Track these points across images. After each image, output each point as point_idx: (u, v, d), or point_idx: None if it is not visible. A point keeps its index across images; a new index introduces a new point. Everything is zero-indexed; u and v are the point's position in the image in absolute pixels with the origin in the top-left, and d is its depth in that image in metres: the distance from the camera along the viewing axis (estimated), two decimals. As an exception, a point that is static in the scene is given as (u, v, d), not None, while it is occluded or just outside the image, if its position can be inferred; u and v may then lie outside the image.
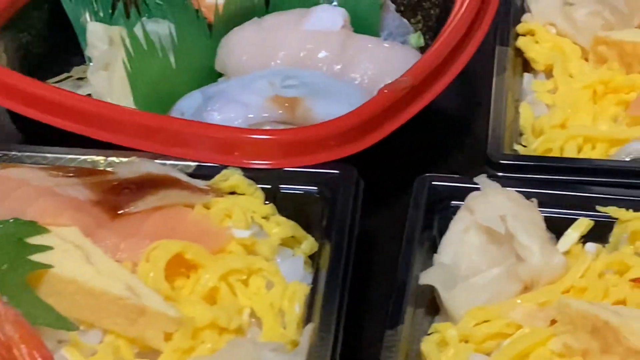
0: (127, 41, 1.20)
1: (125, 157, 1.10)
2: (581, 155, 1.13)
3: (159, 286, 0.97)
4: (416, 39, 1.30)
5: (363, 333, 1.03)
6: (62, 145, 1.12)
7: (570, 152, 1.13)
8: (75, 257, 0.97)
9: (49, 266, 0.96)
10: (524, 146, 1.15)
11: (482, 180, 1.04)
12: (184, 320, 0.95)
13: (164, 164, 1.08)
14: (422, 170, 1.08)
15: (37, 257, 0.97)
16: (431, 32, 1.29)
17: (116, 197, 1.04)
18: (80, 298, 0.96)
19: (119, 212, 1.03)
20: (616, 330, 0.90)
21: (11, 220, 1.00)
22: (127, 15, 1.30)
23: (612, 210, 1.04)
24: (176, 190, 1.04)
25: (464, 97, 1.25)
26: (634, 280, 0.97)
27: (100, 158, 1.10)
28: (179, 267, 1.01)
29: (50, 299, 0.95)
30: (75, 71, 1.29)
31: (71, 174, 1.06)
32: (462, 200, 1.04)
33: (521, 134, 1.16)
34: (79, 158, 1.10)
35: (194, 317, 0.95)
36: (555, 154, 1.13)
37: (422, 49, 1.23)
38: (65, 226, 1.00)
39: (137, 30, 1.23)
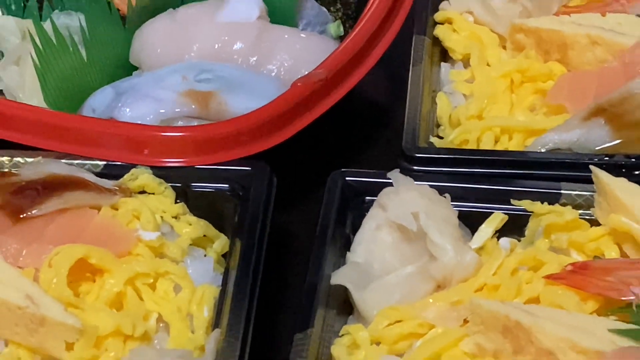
0: (37, 35, 1.18)
1: (30, 157, 1.07)
2: (498, 147, 1.12)
3: (61, 293, 0.95)
4: (335, 28, 1.29)
5: (275, 335, 1.02)
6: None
7: (487, 144, 1.12)
8: (-25, 265, 0.95)
9: (-53, 276, 0.94)
10: (441, 138, 1.14)
11: (394, 175, 1.02)
12: (86, 329, 0.92)
13: (71, 164, 1.06)
14: (339, 165, 1.07)
15: None
16: (351, 20, 1.28)
17: (19, 199, 1.01)
18: (-18, 308, 0.93)
19: (22, 215, 1.00)
20: (528, 330, 0.88)
21: None
22: (40, 8, 1.28)
23: (526, 204, 1.03)
24: (82, 192, 1.02)
25: (382, 88, 1.24)
26: (548, 277, 0.95)
27: (5, 158, 1.08)
28: (84, 271, 0.98)
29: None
30: (-5, 64, 1.24)
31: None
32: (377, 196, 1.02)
33: (438, 125, 1.16)
34: (-17, 160, 1.06)
35: (97, 325, 0.93)
36: (472, 145, 1.12)
37: (342, 38, 1.20)
38: (-36, 233, 0.97)
39: (47, 24, 1.21)
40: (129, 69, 1.23)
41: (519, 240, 1.03)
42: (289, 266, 1.08)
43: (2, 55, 1.23)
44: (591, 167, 1.00)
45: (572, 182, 1.04)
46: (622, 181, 0.99)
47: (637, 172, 1.04)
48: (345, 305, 0.99)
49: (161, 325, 0.97)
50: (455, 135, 1.12)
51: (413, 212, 0.97)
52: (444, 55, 1.22)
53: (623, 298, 0.92)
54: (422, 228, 0.96)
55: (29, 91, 1.19)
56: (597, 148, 1.08)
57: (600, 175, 0.99)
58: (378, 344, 0.93)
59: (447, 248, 0.96)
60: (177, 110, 1.13)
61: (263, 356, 0.96)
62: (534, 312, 0.90)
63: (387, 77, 1.20)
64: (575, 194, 1.03)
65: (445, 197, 1.00)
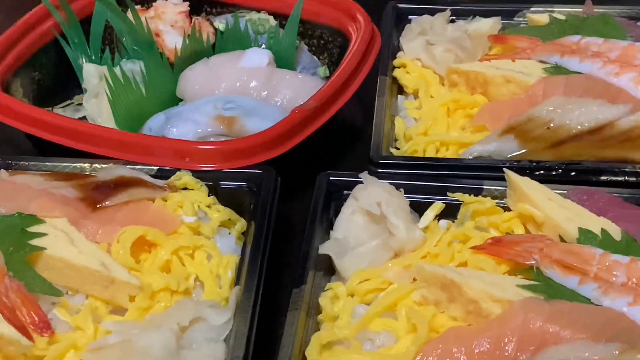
0: (109, 77, 1.18)
1: (104, 164, 1.08)
2: (438, 155, 1.13)
3: (126, 261, 0.96)
4: (323, 70, 1.30)
5: (278, 290, 1.02)
6: (59, 156, 1.11)
7: (430, 153, 1.13)
8: (63, 241, 0.96)
9: (43, 248, 0.95)
10: (398, 149, 1.14)
11: (364, 176, 1.03)
12: (143, 286, 0.94)
13: (134, 168, 1.07)
14: (324, 169, 1.07)
15: (35, 242, 0.96)
16: (334, 65, 1.27)
17: (96, 194, 1.02)
18: (67, 272, 0.95)
19: (98, 205, 1.01)
20: (458, 285, 0.91)
21: (15, 214, 0.99)
22: (112, 58, 1.28)
23: (459, 196, 1.04)
24: (141, 188, 1.04)
25: (356, 113, 1.24)
26: (473, 247, 0.97)
27: (87, 165, 1.08)
28: (142, 245, 1.00)
29: (44, 273, 0.95)
30: (76, 99, 1.28)
31: (63, 178, 1.04)
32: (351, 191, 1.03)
33: (396, 140, 1.16)
34: (70, 165, 1.09)
35: (151, 283, 0.95)
36: (419, 154, 1.13)
37: (328, 78, 1.20)
38: (57, 218, 0.99)
39: (117, 69, 1.22)
40: (176, 101, 1.23)
41: (453, 222, 1.03)
42: (288, 241, 1.08)
43: (86, 91, 1.24)
44: (504, 169, 1.02)
45: (491, 180, 1.04)
46: (526, 179, 1.01)
47: (537, 173, 1.05)
48: (329, 269, 1.00)
49: (197, 283, 0.98)
50: (407, 147, 1.13)
51: (377, 201, 0.98)
52: (400, 90, 1.22)
53: (527, 262, 0.93)
54: (383, 213, 0.98)
55: (104, 117, 1.20)
56: (508, 156, 1.09)
57: (510, 175, 1.01)
58: (352, 296, 0.95)
59: (401, 227, 0.98)
60: (209, 130, 1.14)
61: (269, 305, 0.97)
62: (463, 272, 0.93)
63: (359, 105, 1.20)
64: (493, 189, 1.03)
65: (400, 191, 1.01)
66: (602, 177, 1.06)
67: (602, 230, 0.96)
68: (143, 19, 1.27)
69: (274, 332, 0.94)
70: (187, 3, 1.33)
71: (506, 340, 0.85)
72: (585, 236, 0.96)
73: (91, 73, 1.25)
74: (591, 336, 0.84)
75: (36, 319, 0.90)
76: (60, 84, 1.28)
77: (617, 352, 0.82)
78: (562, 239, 0.96)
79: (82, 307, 0.93)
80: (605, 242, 0.95)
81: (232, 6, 1.33)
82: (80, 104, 1.26)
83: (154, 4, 1.33)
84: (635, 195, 1.02)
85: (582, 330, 0.85)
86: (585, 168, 1.06)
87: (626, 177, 1.05)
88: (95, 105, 1.21)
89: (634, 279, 0.90)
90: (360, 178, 1.03)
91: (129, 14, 1.26)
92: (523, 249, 0.94)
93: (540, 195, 0.99)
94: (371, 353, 0.89)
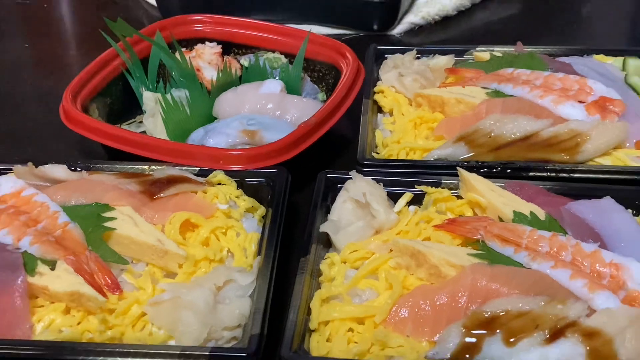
0: (162, 101, 1.18)
1: (159, 166, 1.07)
2: (408, 158, 1.12)
3: (175, 237, 0.95)
4: (322, 96, 1.29)
5: (289, 259, 1.01)
6: (125, 160, 1.10)
7: (402, 156, 1.11)
8: (129, 223, 0.95)
9: (114, 229, 0.94)
10: (378, 153, 1.13)
11: (353, 173, 1.02)
12: (189, 256, 0.93)
13: (181, 169, 1.06)
14: (323, 169, 1.06)
15: (107, 224, 0.95)
16: (329, 92, 1.27)
17: (153, 188, 1.01)
18: (132, 246, 0.94)
19: (155, 197, 1.00)
20: (424, 254, 0.90)
21: (93, 204, 0.98)
22: (164, 87, 1.27)
23: (423, 188, 1.03)
24: (187, 184, 1.02)
25: (346, 127, 1.22)
26: (435, 226, 0.96)
27: (146, 167, 1.07)
28: (188, 226, 0.98)
29: (115, 247, 0.94)
30: (137, 118, 1.26)
31: (128, 176, 1.04)
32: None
33: (376, 147, 1.14)
34: (134, 167, 1.08)
35: (195, 254, 0.94)
36: (394, 157, 1.11)
37: (325, 102, 1.19)
38: (124, 206, 0.98)
39: (168, 95, 1.21)
40: (212, 119, 1.21)
41: (419, 207, 1.02)
42: (296, 223, 1.07)
43: (145, 112, 1.23)
44: (458, 168, 1.01)
45: (448, 176, 1.03)
46: (474, 175, 1.00)
47: (481, 171, 1.03)
48: (327, 243, 0.98)
49: (229, 254, 0.97)
50: (385, 152, 1.12)
51: (362, 192, 0.98)
52: (379, 109, 1.21)
53: (474, 237, 0.93)
54: (367, 201, 0.97)
55: (158, 131, 1.19)
56: (460, 158, 1.08)
57: (462, 172, 1.01)
58: (344, 263, 0.94)
59: (380, 212, 0.97)
60: (237, 140, 1.13)
61: (283, 270, 0.96)
62: (427, 245, 0.92)
63: (349, 121, 1.18)
64: (449, 182, 1.03)
65: (379, 184, 1.00)
66: (530, 173, 1.05)
67: (531, 212, 0.95)
68: (187, 58, 1.25)
69: (286, 290, 0.93)
70: (220, 46, 1.32)
71: (459, 295, 0.85)
72: (518, 217, 0.95)
73: (149, 98, 1.23)
74: (523, 291, 0.84)
75: (109, 281, 0.90)
76: (126, 107, 1.27)
77: (542, 303, 0.82)
78: (500, 219, 0.96)
79: (143, 273, 0.93)
80: (533, 221, 0.94)
81: (254, 48, 1.33)
82: (141, 122, 1.24)
83: (195, 47, 1.32)
84: (555, 187, 1.02)
85: (516, 287, 0.85)
86: (517, 166, 1.05)
87: (548, 173, 1.05)
88: (152, 123, 1.20)
89: (555, 249, 0.89)
90: (350, 175, 1.02)
91: (177, 55, 1.26)
92: (472, 227, 0.94)
93: (484, 187, 0.98)
94: (359, 305, 0.89)
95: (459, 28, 1.53)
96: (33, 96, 1.36)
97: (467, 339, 0.81)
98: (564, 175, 1.04)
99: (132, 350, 0.82)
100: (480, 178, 1.00)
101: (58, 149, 1.24)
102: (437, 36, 1.51)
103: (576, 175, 1.04)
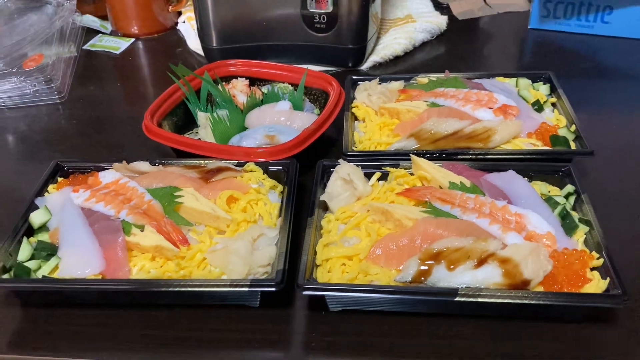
0: (211, 118, 1.15)
1: (212, 160, 1.04)
2: (376, 149, 1.08)
3: (223, 207, 0.93)
4: (317, 111, 1.25)
5: (300, 219, 0.98)
6: (187, 157, 1.06)
7: (372, 149, 1.09)
8: (191, 198, 0.93)
9: (182, 203, 0.92)
10: (356, 147, 1.10)
11: (341, 161, 1.00)
12: (233, 219, 0.92)
13: (225, 162, 1.03)
14: (319, 159, 1.03)
15: (178, 200, 0.93)
16: (322, 108, 1.23)
17: (207, 175, 0.99)
18: (195, 214, 0.92)
19: (208, 181, 0.98)
20: (391, 212, 0.89)
21: (167, 187, 0.95)
22: (212, 108, 1.23)
23: (388, 168, 1.00)
24: (230, 172, 1.00)
25: (333, 132, 1.18)
26: (397, 193, 0.94)
27: (202, 161, 1.04)
28: (232, 199, 0.96)
29: (183, 215, 0.92)
30: (194, 130, 1.22)
31: (189, 168, 1.01)
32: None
33: (354, 143, 1.11)
34: (194, 162, 1.04)
35: (237, 218, 0.92)
36: (366, 149, 1.08)
37: (319, 115, 1.16)
38: (188, 188, 0.95)
39: (215, 114, 1.18)
40: (244, 128, 1.18)
41: (385, 182, 1.00)
42: (303, 195, 1.03)
43: (199, 126, 1.19)
44: (411, 155, 0.99)
45: (403, 160, 1.01)
46: (421, 159, 0.98)
47: (426, 156, 1.01)
48: (325, 207, 0.96)
49: (260, 217, 0.95)
50: (360, 146, 1.09)
51: (347, 173, 0.95)
52: (356, 118, 1.17)
53: (424, 199, 0.91)
54: (351, 178, 0.95)
55: (209, 138, 1.15)
56: (411, 148, 1.05)
57: (413, 157, 0.98)
58: (337, 220, 0.92)
59: (360, 185, 0.94)
60: (262, 142, 1.10)
61: (296, 226, 0.94)
62: (392, 206, 0.90)
63: (335, 128, 1.14)
64: (405, 165, 1.00)
65: (359, 167, 0.98)
66: (458, 157, 1.02)
67: (461, 182, 0.93)
68: (227, 90, 1.23)
69: (299, 239, 0.91)
70: (247, 80, 1.28)
71: (416, 238, 0.84)
72: (452, 185, 0.93)
73: (202, 117, 1.19)
74: (458, 234, 0.83)
75: (180, 238, 0.88)
76: (186, 122, 1.22)
77: (471, 242, 0.81)
78: (440, 188, 0.94)
79: (203, 231, 0.91)
80: (462, 188, 0.92)
81: (270, 81, 1.29)
82: (197, 132, 1.21)
83: (231, 81, 1.29)
84: (475, 165, 0.99)
85: (453, 232, 0.83)
86: (449, 152, 1.03)
87: (470, 156, 1.03)
88: (204, 133, 1.17)
89: (477, 205, 0.88)
90: (339, 162, 0.99)
91: (219, 87, 1.23)
92: (421, 193, 0.92)
93: (428, 166, 0.96)
94: (348, 247, 0.87)
95: (405, 64, 1.51)
96: (124, 118, 1.34)
97: (422, 267, 0.80)
98: (481, 157, 1.02)
99: (198, 283, 0.81)
100: (426, 161, 0.98)
101: (142, 152, 1.20)
102: (391, 69, 1.47)
103: (489, 156, 1.02)
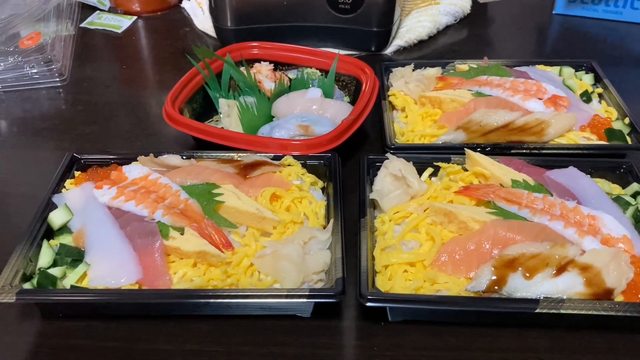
0: (238, 105, 1.07)
1: (246, 153, 0.96)
2: (421, 142, 1.02)
3: (267, 206, 0.86)
4: (346, 99, 1.17)
5: (351, 220, 0.90)
6: (216, 149, 0.98)
7: (416, 141, 1.02)
8: (233, 197, 0.85)
9: (223, 202, 0.84)
10: (397, 141, 1.03)
11: (389, 155, 0.93)
12: (280, 220, 0.84)
13: (261, 155, 0.95)
14: (365, 152, 0.96)
15: (217, 198, 0.85)
16: (351, 96, 1.16)
17: (244, 170, 0.91)
18: (237, 214, 0.84)
19: (246, 177, 0.90)
20: (455, 214, 0.82)
21: (205, 183, 0.87)
22: (233, 95, 1.15)
23: (439, 163, 0.94)
24: (268, 166, 0.92)
25: (374, 122, 1.11)
26: (455, 192, 0.88)
27: (235, 154, 0.96)
28: (275, 197, 0.89)
29: (224, 215, 0.84)
30: (215, 117, 1.13)
31: (224, 162, 0.93)
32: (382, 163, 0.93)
33: (395, 135, 1.04)
34: (225, 155, 0.96)
35: (284, 219, 0.85)
36: (410, 142, 1.02)
37: (353, 103, 1.10)
38: (227, 184, 0.88)
39: (241, 100, 1.09)
40: (271, 118, 1.10)
41: (435, 177, 0.94)
42: (350, 193, 0.95)
43: (220, 114, 1.10)
44: (465, 149, 0.93)
45: (454, 155, 0.95)
46: (477, 153, 0.92)
47: (477, 150, 0.95)
48: (376, 207, 0.89)
49: (305, 217, 0.88)
50: (403, 139, 1.03)
51: (399, 168, 0.89)
52: (394, 107, 1.11)
53: (486, 199, 0.85)
54: (403, 175, 0.88)
55: (233, 127, 1.07)
56: (460, 141, 0.99)
57: (468, 151, 0.92)
58: (391, 221, 0.85)
59: (414, 182, 0.88)
60: (295, 132, 1.02)
61: (348, 228, 0.85)
62: (455, 206, 0.84)
63: (374, 118, 1.08)
64: (458, 159, 0.94)
65: (410, 162, 0.91)
66: (512, 151, 0.97)
67: (524, 180, 0.88)
68: (252, 74, 1.14)
69: (354, 242, 0.83)
70: (272, 65, 1.20)
71: (485, 244, 0.77)
72: (515, 183, 0.87)
73: (223, 103, 1.10)
74: (531, 239, 0.77)
75: (223, 241, 0.80)
76: (206, 109, 1.14)
77: (548, 247, 0.75)
78: (502, 186, 0.88)
79: (246, 233, 0.83)
80: (526, 186, 0.87)
81: (296, 66, 1.21)
82: (217, 120, 1.12)
83: (254, 65, 1.20)
84: (530, 161, 0.93)
85: (527, 236, 0.77)
86: (502, 146, 0.97)
87: (524, 150, 0.97)
88: (227, 121, 1.08)
89: (547, 206, 0.82)
90: (387, 156, 0.92)
91: (243, 70, 1.14)
92: (483, 192, 0.86)
93: (486, 162, 0.90)
94: (410, 252, 0.80)
95: (429, 48, 1.44)
96: (134, 104, 1.23)
97: (496, 276, 0.73)
98: (536, 151, 0.96)
99: (251, 293, 0.73)
100: (483, 156, 0.91)
101: (159, 142, 1.11)
102: (415, 54, 1.40)
103: (544, 151, 0.96)
